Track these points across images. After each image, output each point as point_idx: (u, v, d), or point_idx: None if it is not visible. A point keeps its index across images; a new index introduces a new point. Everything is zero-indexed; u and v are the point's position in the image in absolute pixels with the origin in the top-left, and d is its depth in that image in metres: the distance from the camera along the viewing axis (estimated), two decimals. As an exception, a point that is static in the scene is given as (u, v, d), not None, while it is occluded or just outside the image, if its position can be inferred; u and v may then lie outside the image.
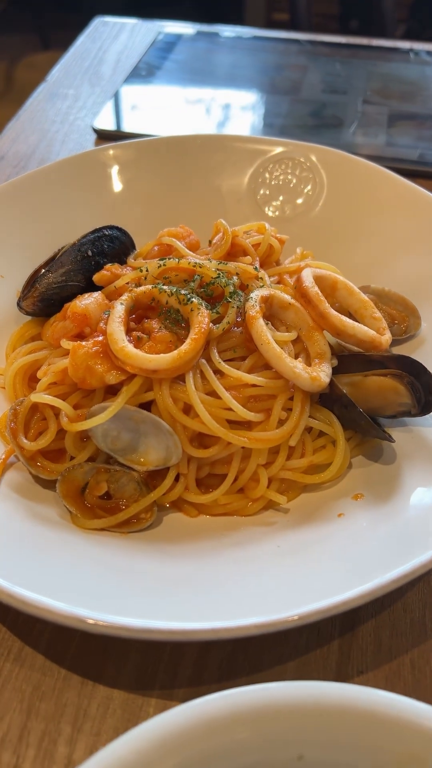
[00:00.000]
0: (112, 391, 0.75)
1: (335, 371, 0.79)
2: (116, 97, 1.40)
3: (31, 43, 4.72)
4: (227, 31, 1.66)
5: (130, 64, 1.54)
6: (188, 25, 1.68)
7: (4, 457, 0.74)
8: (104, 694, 0.64)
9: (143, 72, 1.50)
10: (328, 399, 0.79)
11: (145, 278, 0.82)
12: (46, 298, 0.86)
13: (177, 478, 0.73)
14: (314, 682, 0.51)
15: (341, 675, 0.65)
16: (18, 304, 0.87)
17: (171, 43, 1.60)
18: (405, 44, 1.60)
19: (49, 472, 0.73)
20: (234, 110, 1.40)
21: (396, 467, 0.74)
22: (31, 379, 0.82)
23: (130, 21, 1.71)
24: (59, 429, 0.74)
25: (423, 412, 0.76)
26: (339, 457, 0.73)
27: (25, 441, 0.73)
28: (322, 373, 0.76)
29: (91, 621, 0.54)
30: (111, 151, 1.05)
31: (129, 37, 1.66)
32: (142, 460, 0.72)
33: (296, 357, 0.78)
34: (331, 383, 0.77)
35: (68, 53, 1.61)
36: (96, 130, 1.30)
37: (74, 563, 0.63)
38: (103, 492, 0.71)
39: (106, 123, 1.32)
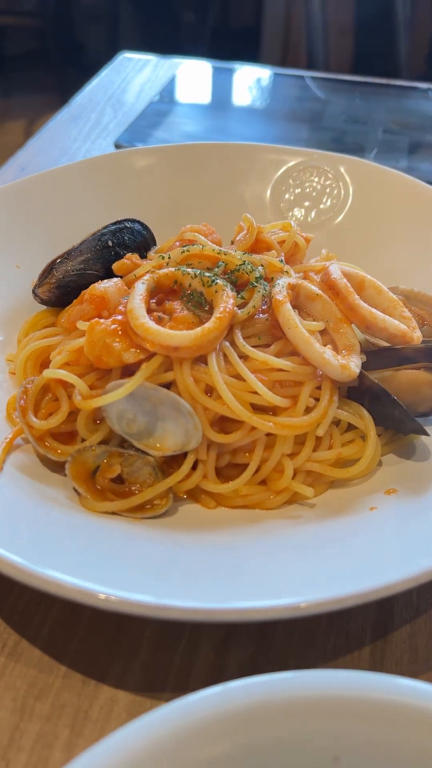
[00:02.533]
0: (128, 373, 0.70)
1: (364, 367, 0.75)
2: (139, 118, 1.42)
3: (52, 103, 4.91)
4: (245, 67, 1.70)
5: (152, 92, 1.56)
6: (207, 62, 1.72)
7: (11, 436, 0.69)
8: (108, 695, 0.57)
9: (166, 99, 1.52)
10: (357, 392, 0.74)
11: (167, 265, 0.78)
12: (63, 285, 0.83)
13: (195, 467, 0.68)
14: (356, 671, 0.45)
15: (374, 682, 0.58)
16: (33, 291, 0.84)
17: (192, 76, 1.63)
18: (423, 84, 1.62)
19: (58, 453, 0.68)
20: (254, 134, 1.40)
21: (430, 463, 0.69)
22: (43, 365, 0.78)
23: (152, 57, 1.76)
24: (71, 411, 0.70)
25: (459, 407, 0.71)
26: (370, 450, 0.68)
27: (34, 420, 0.68)
28: (351, 363, 0.72)
29: (102, 596, 0.48)
30: (135, 155, 1.04)
31: (152, 71, 1.69)
32: (158, 445, 0.67)
33: (324, 348, 0.74)
34: (361, 375, 0.73)
35: (92, 83, 1.64)
36: (118, 146, 1.30)
37: (83, 542, 0.58)
38: (116, 475, 0.66)
39: (129, 140, 1.32)
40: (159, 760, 0.40)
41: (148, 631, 0.61)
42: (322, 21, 2.22)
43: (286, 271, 0.80)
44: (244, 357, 0.70)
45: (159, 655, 0.59)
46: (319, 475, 0.69)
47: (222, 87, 1.64)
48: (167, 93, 1.56)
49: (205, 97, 1.59)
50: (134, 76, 1.67)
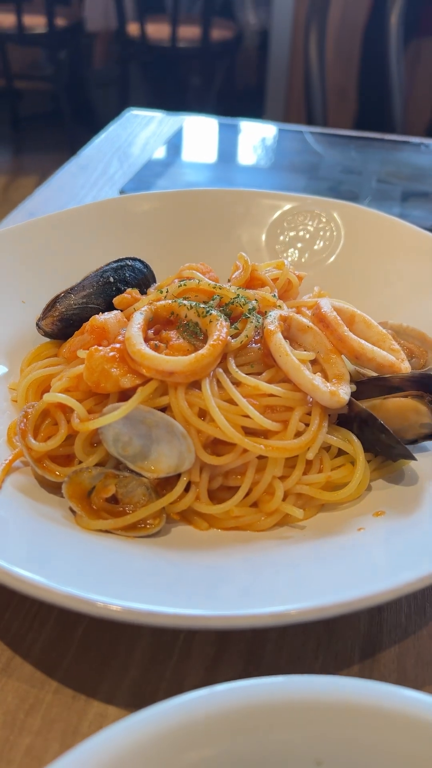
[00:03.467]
0: (125, 398, 0.73)
1: (353, 396, 0.78)
2: (144, 168, 1.49)
3: (62, 160, 5.11)
4: (247, 123, 1.79)
5: (157, 145, 1.64)
6: (210, 117, 1.81)
7: (11, 458, 0.71)
8: (98, 711, 0.58)
9: (170, 150, 1.60)
10: (346, 419, 0.77)
11: (165, 298, 0.82)
12: (66, 318, 0.87)
13: (188, 489, 0.70)
14: (336, 677, 0.46)
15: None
16: (37, 324, 0.88)
17: (196, 130, 1.71)
18: (415, 139, 1.70)
19: (56, 474, 0.70)
20: (254, 183, 1.47)
21: (419, 488, 0.71)
22: (44, 393, 0.81)
23: (158, 114, 1.85)
24: (69, 434, 0.72)
25: (445, 433, 0.73)
26: (359, 473, 0.70)
27: (33, 442, 0.71)
28: (341, 390, 0.74)
29: (100, 604, 0.50)
30: (138, 199, 1.09)
31: (157, 126, 1.78)
32: (152, 467, 0.69)
33: (314, 376, 0.77)
34: (350, 403, 0.75)
35: (100, 137, 1.72)
36: (123, 192, 1.37)
37: (78, 556, 0.59)
38: (111, 494, 0.67)
39: (134, 188, 1.39)
40: (143, 761, 0.41)
41: (139, 649, 0.62)
42: (320, 83, 2.34)
43: (279, 306, 0.84)
44: (236, 383, 0.73)
45: (149, 673, 0.60)
46: (310, 499, 0.71)
47: (224, 140, 1.73)
48: (172, 145, 1.63)
49: (207, 149, 1.67)
50: (140, 130, 1.75)
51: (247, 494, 0.70)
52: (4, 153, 5.42)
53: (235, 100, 5.06)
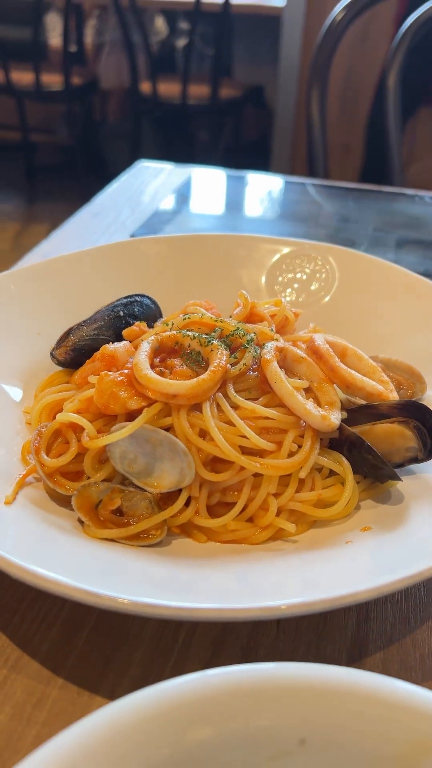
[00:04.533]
0: (132, 420, 0.79)
1: (344, 423, 0.83)
2: (153, 216, 1.58)
3: (75, 210, 5.30)
4: (253, 174, 1.89)
5: (166, 195, 1.75)
6: (218, 169, 1.92)
7: (24, 473, 0.77)
8: (100, 705, 0.62)
9: (178, 199, 1.69)
10: (337, 443, 0.82)
11: (170, 329, 0.89)
12: (78, 348, 0.93)
13: (188, 504, 0.75)
14: (318, 664, 0.50)
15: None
16: (51, 354, 0.94)
17: (204, 181, 1.82)
18: (410, 191, 1.80)
19: (66, 488, 0.75)
20: (257, 230, 1.56)
21: (404, 506, 0.76)
22: (57, 415, 0.87)
23: (168, 165, 1.96)
24: (79, 452, 0.78)
25: (430, 456, 0.79)
26: (348, 492, 0.75)
27: (46, 458, 0.77)
28: (332, 416, 0.80)
29: (107, 597, 0.55)
30: (146, 242, 1.18)
31: (167, 177, 1.89)
32: (155, 483, 0.75)
33: (308, 403, 0.83)
34: (341, 428, 0.81)
35: (111, 186, 1.83)
36: (134, 237, 1.45)
37: (87, 558, 0.64)
38: (116, 506, 0.73)
39: (143, 234, 1.47)
40: (132, 743, 0.44)
41: (139, 652, 0.66)
42: (322, 140, 2.47)
43: (276, 339, 0.90)
44: (235, 407, 0.79)
45: (149, 672, 0.64)
46: (302, 515, 0.76)
47: (230, 191, 1.83)
48: (180, 194, 1.73)
49: (214, 198, 1.77)
50: (151, 180, 1.86)
51: (244, 510, 0.75)
52: (18, 202, 5.62)
53: (241, 155, 5.27)
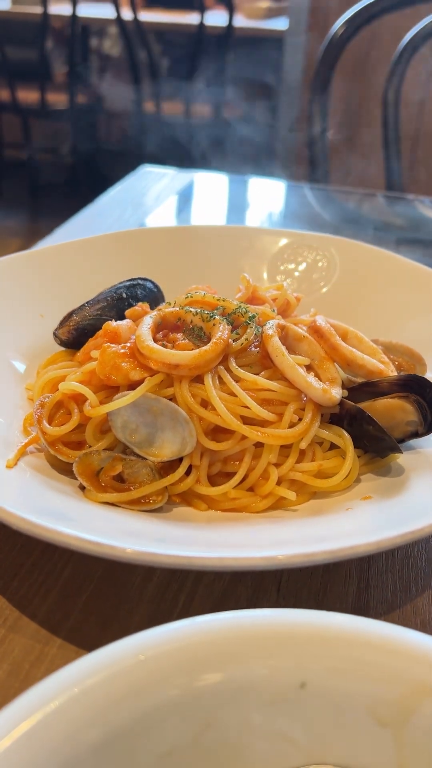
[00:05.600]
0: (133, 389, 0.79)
1: (344, 399, 0.84)
2: (157, 213, 1.60)
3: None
4: (256, 179, 1.92)
5: (170, 195, 1.77)
6: (221, 174, 1.95)
7: (27, 441, 0.77)
8: (99, 664, 0.61)
9: (182, 199, 1.72)
10: (337, 417, 0.82)
11: (173, 306, 0.90)
12: (81, 327, 0.94)
13: (189, 473, 0.75)
14: (318, 611, 0.50)
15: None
16: (54, 334, 0.95)
17: (207, 183, 1.84)
18: (410, 195, 1.82)
19: (68, 456, 0.76)
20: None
21: (404, 477, 0.76)
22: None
23: (170, 170, 1.99)
24: (80, 423, 0.78)
25: (430, 430, 0.79)
26: (348, 462, 0.76)
27: (48, 426, 0.77)
28: (333, 390, 0.81)
29: (113, 546, 0.55)
30: (150, 232, 1.19)
31: (170, 181, 1.91)
32: (157, 452, 0.75)
33: (308, 379, 0.83)
34: (341, 402, 0.81)
35: (115, 188, 1.85)
36: (136, 234, 1.47)
37: (89, 517, 0.64)
38: (117, 472, 0.73)
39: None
40: (128, 688, 0.44)
41: (138, 614, 0.66)
42: (323, 158, 2.51)
43: (278, 319, 0.91)
44: (236, 379, 0.79)
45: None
46: (303, 485, 0.76)
47: (232, 193, 1.85)
48: (183, 195, 1.76)
49: (217, 199, 1.79)
50: (154, 183, 1.88)
51: (244, 479, 0.75)
52: (22, 218, 5.67)
53: (245, 166, 5.33)
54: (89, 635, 0.64)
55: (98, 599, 0.67)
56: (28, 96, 4.93)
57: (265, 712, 0.49)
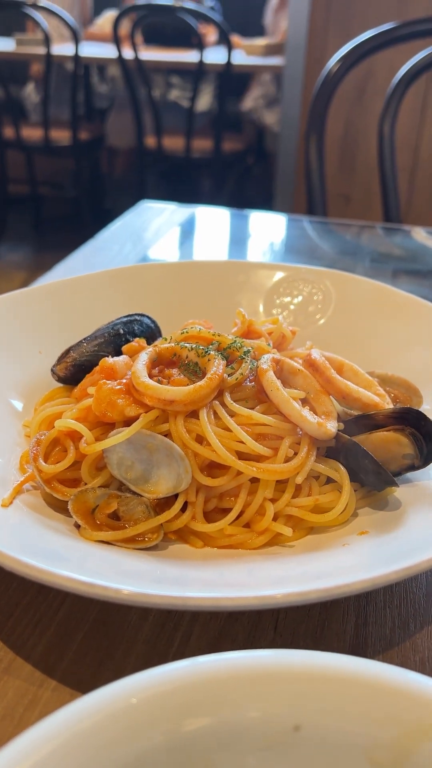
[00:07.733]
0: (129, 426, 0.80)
1: (340, 433, 0.84)
2: (156, 248, 1.62)
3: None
4: (255, 213, 1.95)
5: (170, 229, 1.79)
6: (221, 208, 1.97)
7: (22, 479, 0.77)
8: (93, 707, 0.60)
9: (182, 233, 1.74)
10: (333, 451, 0.82)
11: (168, 342, 0.90)
12: (78, 364, 0.95)
13: (184, 509, 0.75)
14: (313, 651, 0.49)
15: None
16: (52, 370, 0.96)
17: (207, 218, 1.87)
18: (406, 227, 1.84)
19: (63, 493, 0.76)
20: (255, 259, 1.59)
21: (401, 511, 0.76)
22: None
23: (171, 206, 2.02)
24: (76, 460, 0.78)
25: (426, 463, 0.79)
26: (345, 496, 0.75)
27: (44, 464, 0.77)
28: (329, 423, 0.81)
29: (107, 588, 0.54)
30: (148, 268, 1.20)
31: (170, 216, 1.94)
32: (152, 489, 0.75)
33: (304, 413, 0.84)
34: (337, 436, 0.82)
35: (115, 224, 1.88)
36: (135, 269, 1.49)
37: (83, 555, 0.64)
38: (113, 510, 0.73)
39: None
40: (121, 729, 0.43)
41: (135, 654, 0.65)
42: (320, 189, 2.54)
43: (273, 353, 0.91)
44: (231, 414, 0.79)
45: (143, 674, 0.63)
46: (299, 521, 0.76)
47: (232, 227, 1.88)
48: (184, 229, 1.78)
49: (216, 233, 1.81)
50: (154, 218, 1.91)
51: (240, 515, 0.75)
52: (26, 252, 5.75)
53: (245, 203, 5.41)
54: (84, 677, 0.63)
55: (94, 639, 0.66)
56: (33, 133, 5.03)
57: (259, 756, 0.48)
